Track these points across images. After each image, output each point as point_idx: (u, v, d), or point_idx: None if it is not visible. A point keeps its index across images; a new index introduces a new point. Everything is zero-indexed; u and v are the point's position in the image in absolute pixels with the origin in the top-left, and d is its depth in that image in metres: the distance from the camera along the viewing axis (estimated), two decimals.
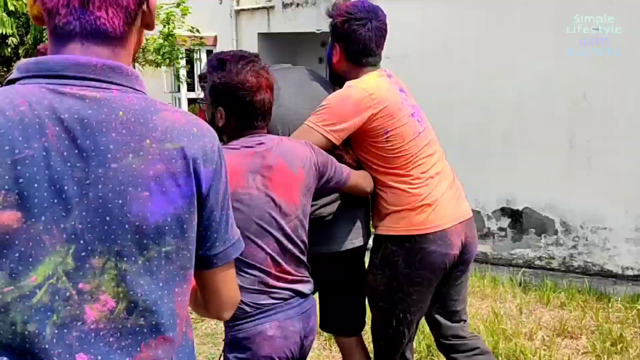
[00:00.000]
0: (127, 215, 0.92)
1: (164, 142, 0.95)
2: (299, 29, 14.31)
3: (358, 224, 2.29)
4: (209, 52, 14.40)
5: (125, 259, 0.93)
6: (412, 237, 2.16)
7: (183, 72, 12.45)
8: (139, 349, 0.95)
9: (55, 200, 0.88)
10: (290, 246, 1.81)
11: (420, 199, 2.15)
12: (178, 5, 10.76)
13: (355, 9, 2.16)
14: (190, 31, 11.02)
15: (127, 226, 0.93)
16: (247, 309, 1.75)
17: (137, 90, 0.98)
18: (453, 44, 5.68)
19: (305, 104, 2.16)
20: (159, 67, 11.22)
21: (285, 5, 14.27)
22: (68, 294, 0.90)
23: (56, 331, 0.88)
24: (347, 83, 2.18)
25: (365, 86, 2.11)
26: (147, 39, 10.95)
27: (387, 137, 2.11)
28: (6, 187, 0.85)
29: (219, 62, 1.82)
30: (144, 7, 0.98)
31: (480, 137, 5.55)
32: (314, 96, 2.19)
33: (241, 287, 1.48)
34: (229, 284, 1.13)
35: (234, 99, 1.77)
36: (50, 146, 0.88)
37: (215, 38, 14.50)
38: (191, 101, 15.23)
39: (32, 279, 0.87)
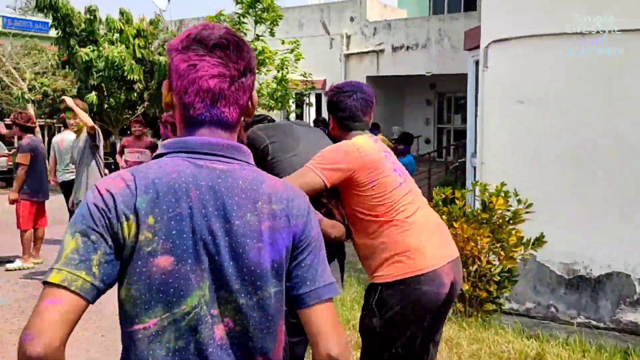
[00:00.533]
0: (246, 260, 1.18)
1: (271, 204, 1.22)
2: (408, 71, 14.22)
3: (337, 275, 2.52)
4: (317, 96, 14.66)
5: (242, 295, 1.18)
6: (405, 279, 2.32)
7: (293, 116, 12.69)
8: None
9: (197, 248, 1.15)
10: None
11: (408, 243, 2.34)
12: (292, 51, 11.02)
13: (343, 84, 2.61)
14: (303, 76, 11.24)
15: (245, 269, 1.17)
16: None
17: (249, 163, 1.26)
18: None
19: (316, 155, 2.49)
20: (271, 111, 11.51)
21: (395, 49, 14.28)
22: (206, 318, 1.16)
23: (198, 347, 1.15)
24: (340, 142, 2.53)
25: (354, 142, 2.44)
26: (260, 84, 11.28)
27: (372, 186, 2.35)
28: (163, 237, 1.12)
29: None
30: (249, 103, 1.28)
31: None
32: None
33: None
34: (328, 323, 1.24)
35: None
36: (193, 206, 1.15)
37: (325, 82, 14.75)
38: None
39: (183, 307, 1.14)
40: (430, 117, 16.63)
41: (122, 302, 1.15)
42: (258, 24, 10.72)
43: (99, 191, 1.14)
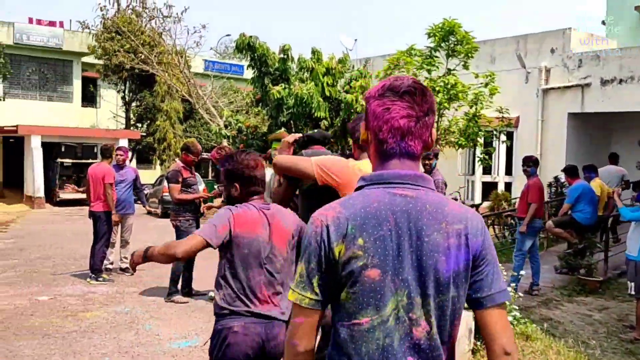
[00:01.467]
0: (433, 271, 1.45)
1: (453, 225, 1.48)
2: (621, 107, 12.43)
3: None
4: (509, 134, 13.50)
5: (430, 299, 1.45)
6: None
7: (478, 154, 11.70)
8: (433, 356, 1.48)
9: (396, 262, 1.44)
10: (277, 280, 2.64)
11: None
12: (486, 85, 10.18)
13: (359, 116, 2.90)
14: (499, 111, 10.31)
15: (432, 278, 1.45)
16: (226, 310, 2.58)
17: (431, 189, 1.53)
18: None
19: None
20: (461, 149, 10.73)
21: (604, 82, 12.62)
22: (404, 320, 1.45)
23: (399, 343, 1.44)
24: None
25: (357, 163, 2.80)
26: (449, 120, 10.58)
27: None
28: (371, 254, 1.44)
29: (228, 156, 2.80)
30: (430, 138, 1.56)
31: None
32: None
33: (228, 294, 2.59)
34: (502, 323, 1.49)
35: (243, 176, 2.71)
36: (392, 228, 1.45)
37: (518, 119, 13.52)
38: (487, 185, 14.37)
39: (386, 310, 1.44)
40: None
41: (342, 302, 1.47)
42: (451, 57, 10.09)
43: (315, 225, 1.48)
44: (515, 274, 7.01)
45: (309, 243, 1.46)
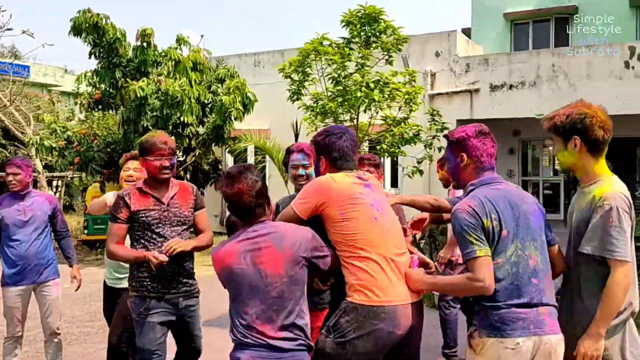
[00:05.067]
0: (531, 226, 2.46)
1: (529, 199, 2.54)
2: (511, 114, 12.14)
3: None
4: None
5: (534, 242, 2.45)
6: (366, 310, 2.51)
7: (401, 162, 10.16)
8: (545, 275, 2.49)
9: (511, 224, 2.42)
10: (274, 307, 2.50)
11: (376, 279, 2.53)
12: (405, 84, 8.75)
13: (331, 127, 2.90)
14: (431, 114, 8.95)
15: (531, 229, 2.45)
16: (236, 341, 2.55)
17: (506, 183, 2.62)
18: None
19: None
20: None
21: (494, 88, 12.23)
22: (523, 256, 2.41)
23: (522, 270, 2.40)
24: None
25: (331, 175, 2.71)
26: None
27: (344, 217, 2.58)
28: (500, 223, 2.41)
29: (225, 175, 2.66)
30: None
31: None
32: None
33: (233, 325, 2.57)
34: (558, 256, 2.66)
35: (230, 205, 2.64)
36: (502, 205, 2.45)
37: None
38: None
39: (509, 253, 2.40)
40: (512, 166, 14.47)
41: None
42: (373, 49, 8.39)
43: (467, 211, 2.43)
44: None
45: (467, 221, 2.40)
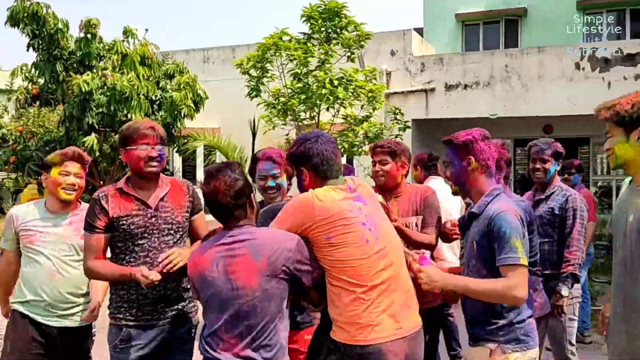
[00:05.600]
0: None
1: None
2: (466, 113, 12.15)
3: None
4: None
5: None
6: (349, 350, 2.28)
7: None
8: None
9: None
10: (244, 322, 2.24)
11: (363, 315, 2.26)
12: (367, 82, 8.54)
13: (302, 135, 2.58)
14: (394, 113, 8.77)
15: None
16: (203, 354, 2.32)
17: None
18: None
19: None
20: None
21: (449, 87, 12.21)
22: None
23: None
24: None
25: (315, 194, 2.36)
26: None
27: (330, 242, 2.29)
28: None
29: (205, 172, 2.39)
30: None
31: None
32: None
33: (202, 339, 2.32)
34: None
35: (208, 205, 2.38)
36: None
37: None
38: None
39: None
40: None
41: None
42: (334, 45, 8.13)
43: (513, 215, 2.34)
44: None
45: (517, 226, 2.30)
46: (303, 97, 7.52)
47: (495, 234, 2.29)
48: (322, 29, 8.14)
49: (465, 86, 11.81)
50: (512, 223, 2.30)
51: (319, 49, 7.78)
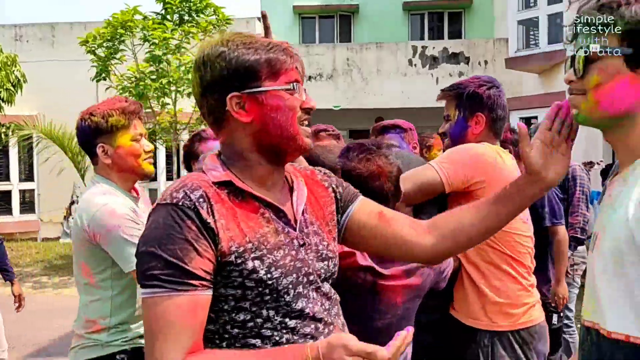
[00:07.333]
0: None
1: None
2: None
3: None
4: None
5: None
6: (518, 334, 2.01)
7: None
8: None
9: None
10: None
11: (527, 294, 2.04)
12: None
13: (489, 77, 2.19)
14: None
15: None
16: None
17: None
18: None
19: None
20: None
21: None
22: None
23: None
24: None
25: (498, 151, 2.06)
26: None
27: None
28: None
29: (346, 149, 1.89)
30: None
31: None
32: None
33: None
34: None
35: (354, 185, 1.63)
36: None
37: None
38: None
39: None
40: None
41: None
42: (185, 26, 7.68)
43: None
44: None
45: None
46: (163, 81, 6.95)
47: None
48: (178, 9, 7.62)
49: (310, 77, 12.03)
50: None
51: (179, 31, 7.26)
